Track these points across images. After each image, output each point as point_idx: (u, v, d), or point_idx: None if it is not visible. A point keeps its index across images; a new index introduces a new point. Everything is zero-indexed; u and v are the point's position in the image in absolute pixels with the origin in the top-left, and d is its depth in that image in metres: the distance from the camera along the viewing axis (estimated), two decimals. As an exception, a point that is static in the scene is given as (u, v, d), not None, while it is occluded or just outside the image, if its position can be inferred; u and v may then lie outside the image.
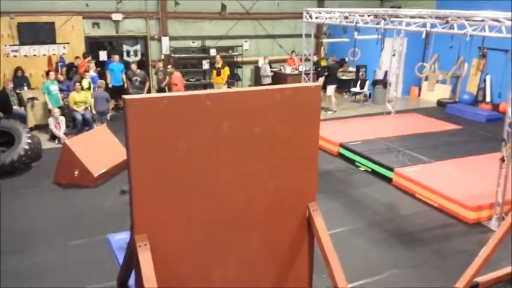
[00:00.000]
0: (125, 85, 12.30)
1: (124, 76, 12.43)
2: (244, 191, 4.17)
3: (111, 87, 12.20)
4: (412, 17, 8.49)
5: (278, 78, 15.14)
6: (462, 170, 7.94)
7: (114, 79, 12.28)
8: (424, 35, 8.20)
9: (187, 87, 14.03)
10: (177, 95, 4.30)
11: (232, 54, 15.66)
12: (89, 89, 11.18)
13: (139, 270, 3.73)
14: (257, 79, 15.76)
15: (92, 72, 11.86)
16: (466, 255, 5.36)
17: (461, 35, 7.41)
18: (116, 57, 12.67)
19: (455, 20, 7.60)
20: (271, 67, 15.39)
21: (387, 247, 5.91)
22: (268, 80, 14.91)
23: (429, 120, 11.74)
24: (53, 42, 13.13)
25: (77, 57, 12.82)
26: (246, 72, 16.22)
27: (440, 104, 14.03)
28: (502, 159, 6.31)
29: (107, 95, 11.23)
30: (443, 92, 14.42)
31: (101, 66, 13.23)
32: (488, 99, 13.45)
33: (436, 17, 7.95)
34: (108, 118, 11.43)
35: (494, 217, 6.41)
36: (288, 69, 15.50)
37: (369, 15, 9.40)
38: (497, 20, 6.75)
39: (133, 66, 12.30)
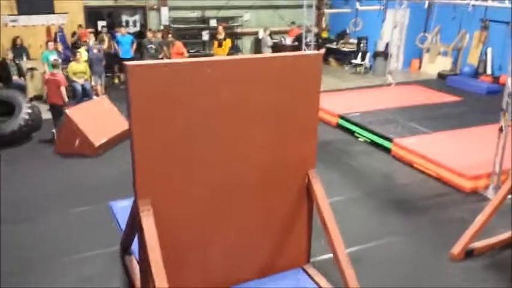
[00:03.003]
0: (134, 56, 12.10)
1: (135, 47, 12.28)
2: (245, 158, 4.23)
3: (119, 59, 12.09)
4: (414, -14, 8.40)
5: (278, 49, 15.02)
6: (461, 141, 7.99)
7: (123, 51, 12.09)
8: (426, 5, 8.13)
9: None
10: (179, 61, 4.32)
11: (233, 25, 15.49)
12: (86, 61, 11.10)
13: (143, 235, 3.82)
14: (257, 51, 15.63)
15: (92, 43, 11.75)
16: (463, 223, 5.45)
17: (463, 5, 7.36)
18: (123, 29, 12.52)
19: (458, -11, 7.53)
20: (272, 38, 15.26)
21: (385, 215, 6.00)
22: (269, 51, 14.81)
23: (429, 92, 11.73)
24: (52, 12, 12.99)
25: (79, 26, 12.75)
26: (246, 43, 16.09)
27: (441, 76, 13.97)
28: (501, 129, 6.35)
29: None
30: (444, 64, 14.33)
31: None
32: (489, 71, 13.39)
33: (439, -13, 7.87)
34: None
35: (491, 186, 6.48)
36: (288, 41, 15.37)
37: (371, -15, 9.29)
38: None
39: (149, 34, 12.17)
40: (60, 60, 9.85)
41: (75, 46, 12.31)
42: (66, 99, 8.51)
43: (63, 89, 8.45)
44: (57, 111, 8.31)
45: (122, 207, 5.73)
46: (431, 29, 10.96)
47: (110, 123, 8.35)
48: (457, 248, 4.99)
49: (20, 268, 4.85)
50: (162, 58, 12.60)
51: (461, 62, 14.18)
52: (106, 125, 8.26)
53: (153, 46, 12.01)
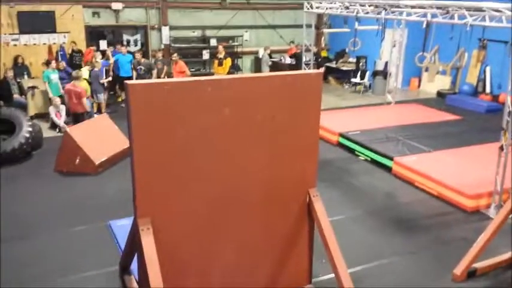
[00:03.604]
0: (134, 76, 12.18)
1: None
2: (245, 177, 4.21)
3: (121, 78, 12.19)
4: (412, 7, 8.48)
5: (278, 68, 15.13)
6: (461, 160, 7.98)
7: (122, 70, 12.14)
8: (424, 25, 8.20)
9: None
10: (179, 80, 4.34)
11: (233, 44, 15.63)
12: (86, 79, 11.14)
13: (142, 254, 3.78)
14: (257, 70, 15.76)
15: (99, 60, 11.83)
16: (465, 242, 5.42)
17: (461, 25, 7.43)
18: (124, 48, 12.61)
19: (456, 10, 7.60)
20: (271, 57, 15.42)
21: (386, 234, 5.96)
22: (267, 69, 14.96)
23: (429, 110, 11.78)
24: (53, 31, 13.12)
25: (73, 42, 12.90)
26: (246, 63, 16.21)
27: (440, 95, 14.05)
28: (501, 148, 6.36)
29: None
30: (443, 83, 14.43)
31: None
32: (488, 90, 13.46)
33: (437, 7, 7.94)
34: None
35: (492, 205, 6.45)
36: (288, 60, 15.50)
37: (369, 5, 9.38)
38: (498, 10, 6.76)
39: (138, 56, 12.19)
40: (81, 72, 10.39)
41: (73, 62, 12.38)
42: (89, 109, 9.69)
43: (85, 99, 9.45)
44: (78, 119, 9.24)
45: (121, 226, 5.69)
46: (430, 48, 11.06)
47: (110, 142, 8.35)
48: (459, 268, 4.94)
49: (19, 286, 4.79)
50: (163, 77, 12.69)
51: (460, 80, 14.28)
52: (106, 143, 8.26)
53: (143, 67, 11.92)
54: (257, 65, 15.85)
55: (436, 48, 12.72)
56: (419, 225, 6.22)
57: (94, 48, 12.83)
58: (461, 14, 7.48)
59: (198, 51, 15.22)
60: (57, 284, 4.85)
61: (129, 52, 12.83)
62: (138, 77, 11.85)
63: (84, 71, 11.22)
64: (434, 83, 14.22)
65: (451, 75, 14.47)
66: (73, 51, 12.83)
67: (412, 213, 6.58)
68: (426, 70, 14.34)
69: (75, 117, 9.48)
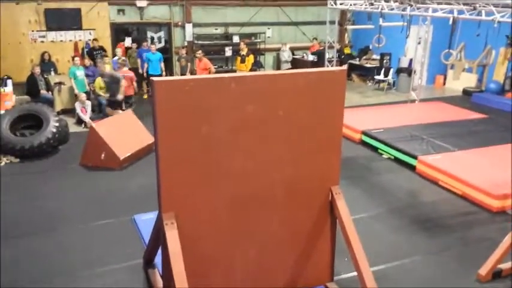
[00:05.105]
0: (163, 74, 12.25)
1: (163, 65, 12.52)
2: (268, 174, 4.23)
3: (146, 76, 12.38)
4: (439, 3, 8.37)
5: (300, 65, 15.10)
6: (487, 159, 7.84)
7: (151, 68, 12.30)
8: (451, 22, 8.08)
9: (210, 74, 14.08)
10: (203, 77, 4.38)
11: (255, 41, 15.64)
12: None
13: (166, 248, 3.84)
14: (279, 67, 15.75)
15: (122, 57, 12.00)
16: (490, 243, 5.33)
17: (489, 21, 7.31)
18: (153, 46, 12.75)
19: (484, 6, 7.47)
20: (293, 54, 15.36)
21: (409, 233, 5.91)
22: (287, 66, 14.96)
23: (454, 108, 11.59)
24: (79, 28, 13.35)
25: (94, 40, 13.11)
26: (268, 59, 16.20)
27: (466, 92, 13.81)
28: (529, 148, 6.23)
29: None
30: (469, 80, 14.17)
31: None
32: (515, 88, 13.18)
33: (464, 3, 7.83)
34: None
35: (519, 206, 6.34)
36: (310, 57, 15.44)
37: (394, 1, 9.29)
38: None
39: (102, 66, 11.09)
40: (127, 60, 11.40)
41: (94, 59, 12.60)
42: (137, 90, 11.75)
43: (135, 83, 11.36)
44: (130, 100, 11.06)
45: (146, 220, 5.78)
46: (456, 46, 10.88)
47: (135, 137, 8.48)
48: (484, 269, 4.87)
49: (43, 279, 4.90)
50: (189, 74, 12.81)
51: (486, 78, 14.00)
52: (131, 139, 8.39)
53: (106, 79, 10.62)
54: (279, 62, 15.83)
55: (462, 45, 12.48)
56: (443, 225, 6.14)
57: (124, 44, 13.04)
58: (489, 11, 7.35)
59: (221, 48, 15.28)
60: (81, 276, 4.95)
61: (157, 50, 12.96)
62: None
63: (108, 68, 11.39)
64: (460, 81, 13.96)
65: (477, 73, 14.20)
66: (93, 48, 13.02)
67: (436, 212, 6.50)
68: (452, 67, 14.09)
69: (127, 99, 10.99)
